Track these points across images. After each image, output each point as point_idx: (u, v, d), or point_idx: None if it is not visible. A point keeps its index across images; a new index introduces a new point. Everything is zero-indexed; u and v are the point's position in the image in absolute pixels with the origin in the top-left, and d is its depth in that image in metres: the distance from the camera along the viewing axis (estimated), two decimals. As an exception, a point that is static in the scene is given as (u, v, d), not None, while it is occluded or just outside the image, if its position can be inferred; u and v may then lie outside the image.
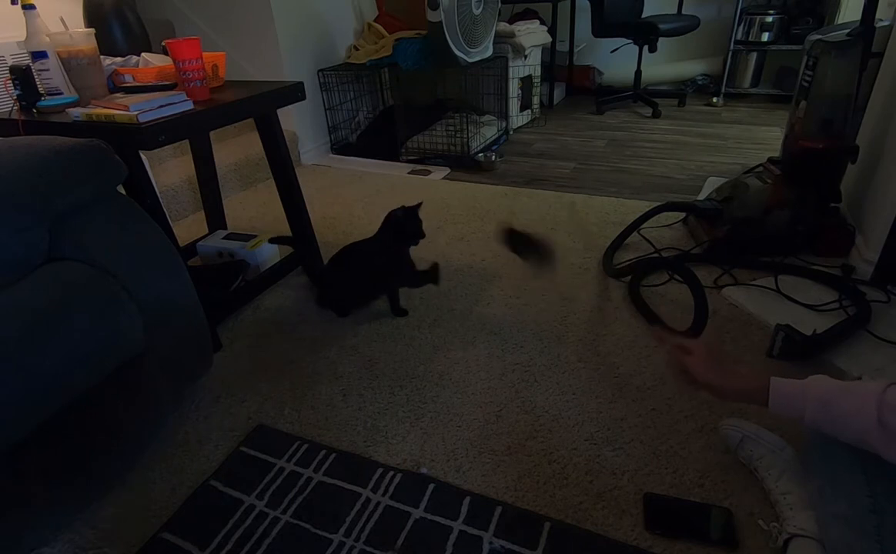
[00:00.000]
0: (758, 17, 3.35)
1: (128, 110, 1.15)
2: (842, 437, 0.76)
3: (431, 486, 1.01)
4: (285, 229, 1.77)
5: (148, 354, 1.01)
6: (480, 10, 2.67)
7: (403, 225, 1.46)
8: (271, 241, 1.71)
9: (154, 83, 1.40)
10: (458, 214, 2.15)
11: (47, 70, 1.34)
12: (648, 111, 3.42)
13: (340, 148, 3.02)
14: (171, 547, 0.94)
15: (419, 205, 1.47)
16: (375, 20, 2.98)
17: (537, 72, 3.35)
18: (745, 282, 1.56)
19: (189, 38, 1.29)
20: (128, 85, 1.42)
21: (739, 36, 3.42)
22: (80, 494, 0.96)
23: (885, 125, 1.59)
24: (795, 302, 1.46)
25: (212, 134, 1.90)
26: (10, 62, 1.90)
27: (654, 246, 1.80)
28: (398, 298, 1.56)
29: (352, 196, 2.42)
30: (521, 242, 1.33)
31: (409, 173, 2.67)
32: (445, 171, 2.68)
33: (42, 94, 1.37)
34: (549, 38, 3.43)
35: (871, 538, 0.72)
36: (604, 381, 1.25)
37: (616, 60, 3.90)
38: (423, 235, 1.48)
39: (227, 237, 1.81)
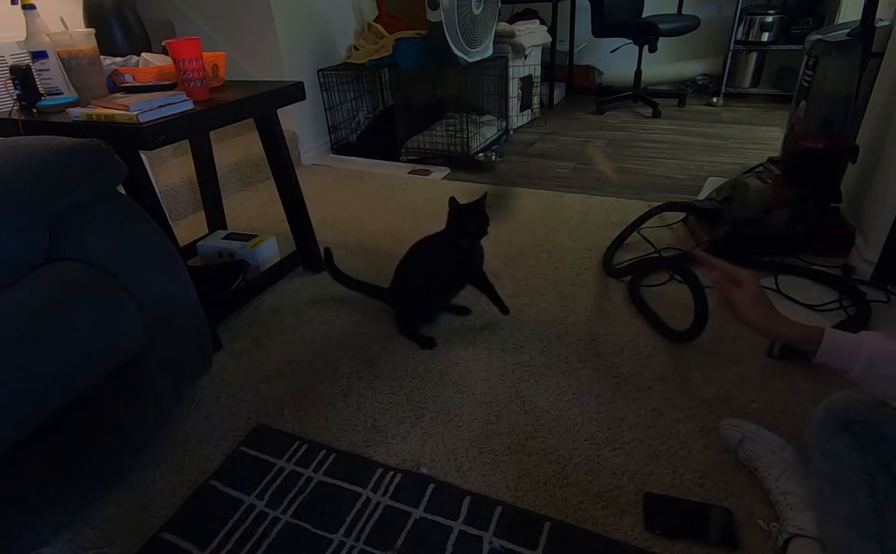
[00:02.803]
0: (758, 17, 3.35)
1: (128, 110, 1.15)
2: (885, 396, 0.76)
3: (431, 486, 1.01)
4: (285, 229, 1.77)
5: (148, 354, 1.01)
6: (480, 9, 2.67)
7: (465, 221, 1.35)
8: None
9: (154, 83, 1.40)
10: (458, 214, 2.15)
11: (47, 70, 1.34)
12: (648, 111, 3.42)
13: (340, 148, 3.02)
14: (171, 547, 0.94)
15: (484, 197, 1.37)
16: (375, 20, 2.98)
17: (537, 72, 3.35)
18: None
19: (189, 38, 1.29)
20: (128, 85, 1.42)
21: (739, 36, 3.42)
22: (80, 494, 0.96)
23: (885, 125, 1.59)
24: (795, 302, 1.46)
25: (212, 134, 1.90)
26: (10, 62, 1.90)
27: (654, 246, 1.80)
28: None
29: (352, 196, 2.42)
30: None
31: (409, 173, 2.67)
32: (445, 171, 2.68)
33: (42, 94, 1.37)
34: (549, 38, 3.43)
35: (872, 538, 0.72)
36: (604, 381, 1.25)
37: (616, 60, 3.90)
38: (484, 233, 1.37)
39: (227, 237, 1.81)
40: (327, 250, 1.58)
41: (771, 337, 0.83)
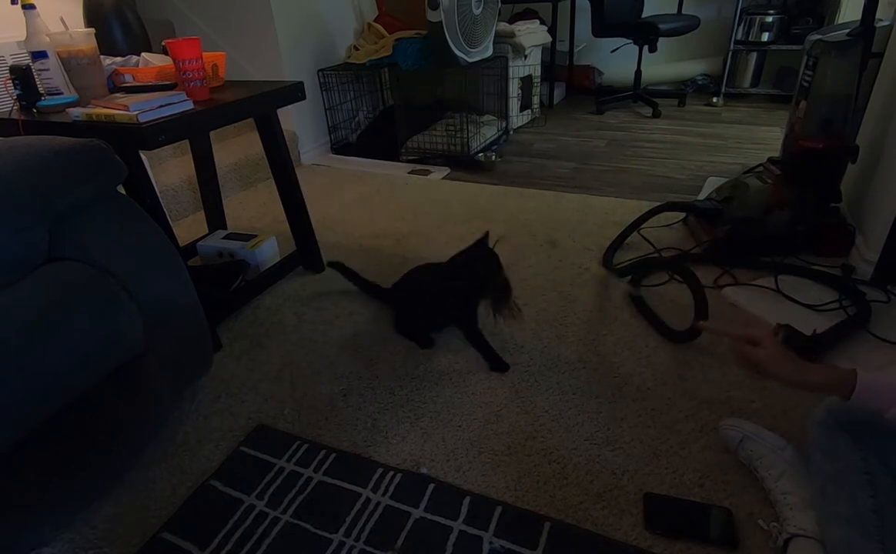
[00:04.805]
0: (758, 17, 3.35)
1: (128, 110, 1.15)
2: None
3: (431, 486, 1.01)
4: (285, 229, 1.77)
5: (148, 354, 1.01)
6: (480, 9, 2.67)
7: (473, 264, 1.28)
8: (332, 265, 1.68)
9: (154, 83, 1.39)
10: (458, 214, 2.15)
11: (47, 70, 1.34)
12: (648, 111, 3.42)
13: (340, 148, 3.02)
14: (171, 547, 0.94)
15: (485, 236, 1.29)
16: (375, 20, 2.98)
17: (537, 72, 3.35)
18: (745, 282, 1.56)
19: (189, 38, 1.29)
20: (128, 85, 1.42)
21: (739, 36, 3.42)
22: (80, 494, 0.95)
23: (885, 125, 1.59)
24: (795, 302, 1.46)
25: (212, 134, 1.90)
26: (10, 62, 1.90)
27: (654, 246, 1.80)
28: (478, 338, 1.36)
29: (352, 196, 2.42)
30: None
31: (409, 173, 2.67)
32: (445, 171, 2.68)
33: (42, 94, 1.37)
34: (549, 38, 3.43)
35: (873, 538, 0.72)
36: (604, 381, 1.25)
37: (616, 60, 3.90)
38: (496, 283, 1.27)
39: (227, 237, 1.81)
40: (339, 263, 1.66)
41: (802, 387, 0.83)
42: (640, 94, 3.52)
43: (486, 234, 1.30)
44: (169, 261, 1.09)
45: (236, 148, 2.60)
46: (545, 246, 1.86)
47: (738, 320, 1.42)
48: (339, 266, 1.65)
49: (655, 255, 1.75)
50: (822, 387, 0.81)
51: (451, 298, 1.35)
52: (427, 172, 2.67)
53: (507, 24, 3.11)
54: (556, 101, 3.88)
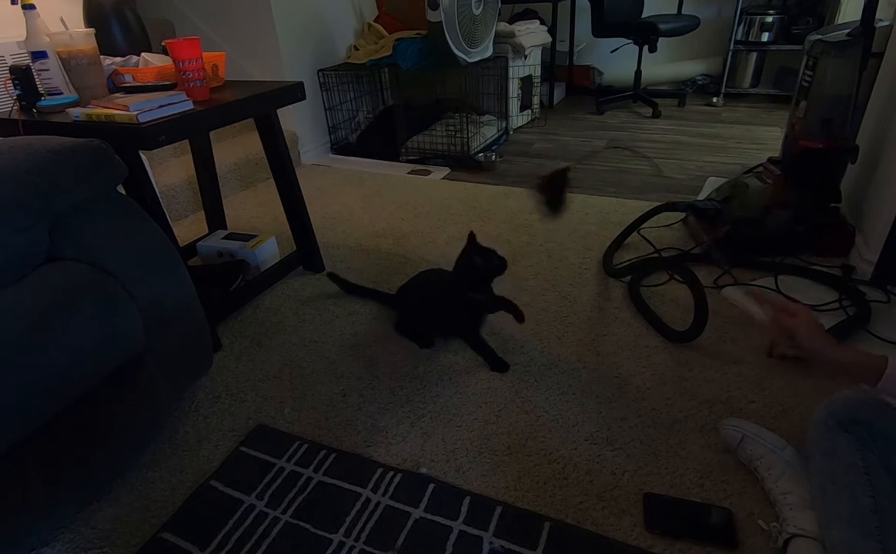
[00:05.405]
0: (758, 17, 3.35)
1: (128, 110, 1.15)
2: None
3: (431, 486, 1.01)
4: (285, 229, 1.77)
5: (148, 354, 1.01)
6: (480, 10, 2.67)
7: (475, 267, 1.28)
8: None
9: (154, 83, 1.40)
10: (458, 214, 2.15)
11: (47, 70, 1.34)
12: (648, 111, 3.42)
13: (340, 148, 3.02)
14: (170, 547, 0.94)
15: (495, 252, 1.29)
16: (375, 20, 2.98)
17: (537, 72, 3.35)
18: (745, 282, 1.56)
19: (189, 38, 1.29)
20: (128, 85, 1.42)
21: (739, 36, 3.42)
22: (80, 494, 0.96)
23: (885, 125, 1.59)
24: (795, 302, 1.45)
25: (212, 134, 1.90)
26: (10, 62, 1.90)
27: (654, 246, 1.80)
28: (482, 344, 1.35)
29: (352, 196, 2.42)
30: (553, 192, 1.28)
31: (409, 173, 2.67)
32: (445, 171, 2.68)
33: (42, 94, 1.37)
34: (549, 38, 3.43)
35: (873, 538, 0.72)
36: (604, 381, 1.25)
37: (616, 60, 3.90)
38: (494, 273, 1.29)
39: (227, 237, 1.81)
40: (333, 275, 1.68)
41: (831, 365, 0.81)
42: (640, 95, 3.52)
43: (472, 235, 1.30)
44: (169, 261, 1.09)
45: (236, 148, 2.60)
46: (545, 244, 1.86)
47: (738, 321, 1.42)
48: (336, 278, 1.66)
49: (655, 255, 1.75)
50: (851, 367, 0.80)
51: (459, 310, 1.35)
52: (427, 172, 2.67)
53: (507, 24, 3.11)
54: (556, 101, 3.88)
